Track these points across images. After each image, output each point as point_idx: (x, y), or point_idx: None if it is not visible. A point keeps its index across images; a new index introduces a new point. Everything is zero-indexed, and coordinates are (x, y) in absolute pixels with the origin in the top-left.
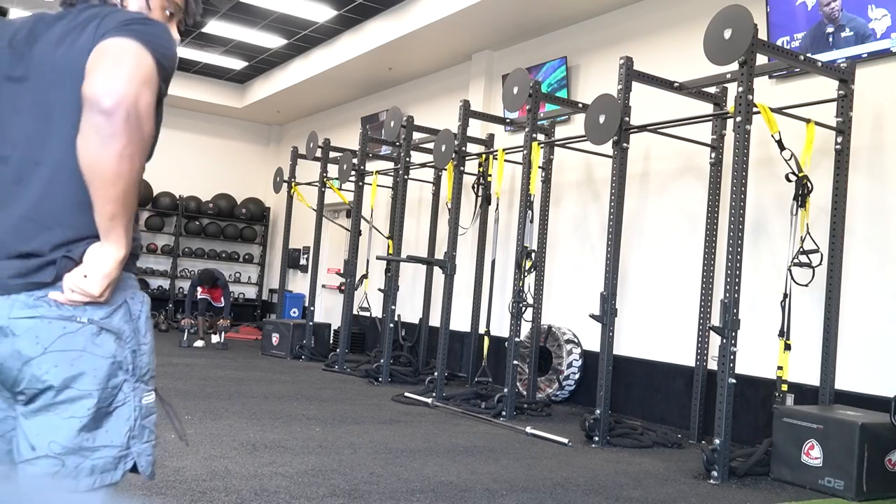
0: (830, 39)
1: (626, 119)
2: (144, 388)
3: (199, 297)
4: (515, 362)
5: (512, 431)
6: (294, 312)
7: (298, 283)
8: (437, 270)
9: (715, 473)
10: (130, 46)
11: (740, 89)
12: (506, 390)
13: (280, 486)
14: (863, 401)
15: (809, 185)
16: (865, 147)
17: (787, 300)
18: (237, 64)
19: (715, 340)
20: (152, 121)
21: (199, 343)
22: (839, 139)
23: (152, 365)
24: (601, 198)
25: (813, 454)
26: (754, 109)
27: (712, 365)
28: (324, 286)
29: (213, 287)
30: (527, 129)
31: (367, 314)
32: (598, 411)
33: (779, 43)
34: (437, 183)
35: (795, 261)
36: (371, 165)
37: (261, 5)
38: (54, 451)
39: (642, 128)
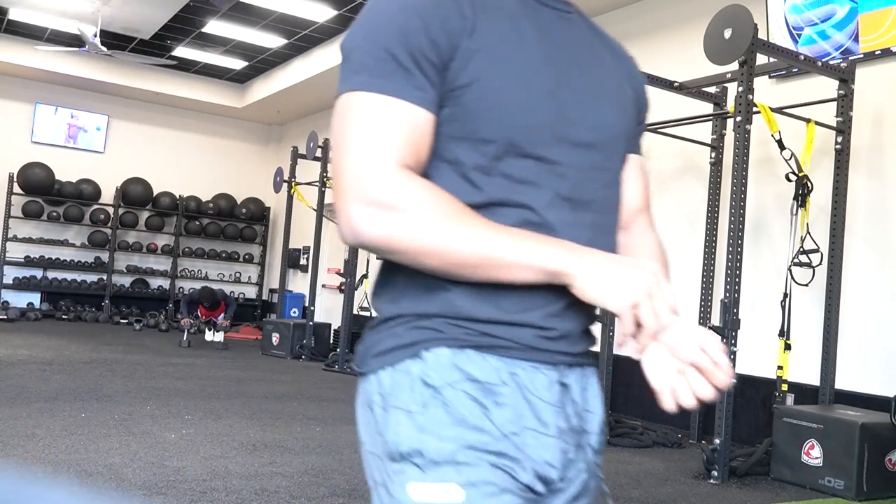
0: None
1: None
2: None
3: (200, 319)
4: None
5: None
6: (294, 312)
7: (298, 283)
8: None
9: (715, 473)
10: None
11: (740, 89)
12: None
13: (280, 486)
14: (863, 400)
15: (809, 184)
16: (865, 147)
17: (788, 300)
18: (237, 64)
19: None
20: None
21: (216, 337)
22: (839, 139)
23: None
24: None
25: (813, 454)
26: (754, 109)
27: None
28: (324, 286)
29: (213, 308)
30: None
31: (368, 314)
32: None
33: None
34: None
35: (795, 260)
36: None
37: (261, 5)
38: None
39: None
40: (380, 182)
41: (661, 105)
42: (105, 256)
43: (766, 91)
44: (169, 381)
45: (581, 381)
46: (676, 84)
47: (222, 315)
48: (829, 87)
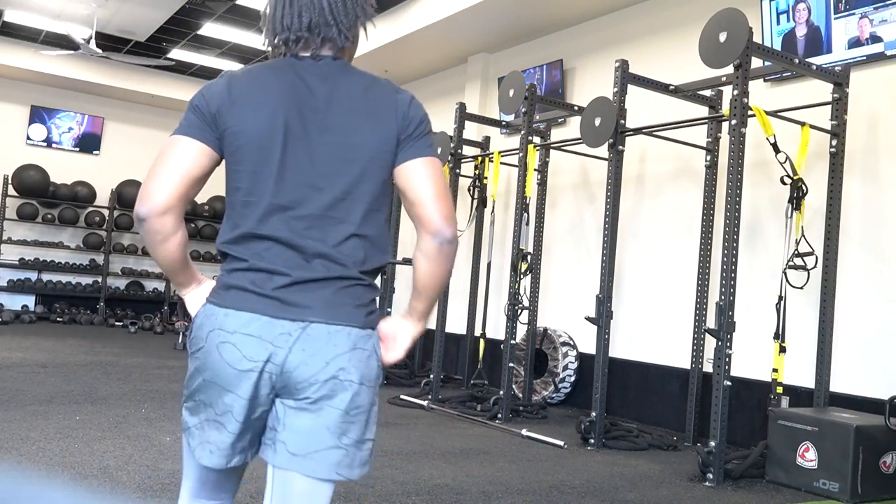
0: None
1: (622, 122)
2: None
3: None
4: (511, 365)
5: (508, 434)
6: None
7: None
8: None
9: (710, 476)
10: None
11: (735, 92)
12: (501, 393)
13: None
14: (858, 403)
15: (804, 187)
16: (860, 150)
17: (783, 302)
18: (233, 66)
19: (710, 342)
20: None
21: None
22: (834, 142)
23: None
24: (597, 200)
25: (808, 456)
26: (749, 112)
27: (708, 367)
28: None
29: None
30: (522, 132)
31: None
32: (593, 414)
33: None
34: None
35: (790, 263)
36: None
37: (257, 7)
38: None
39: (638, 130)
40: None
41: (657, 108)
42: (100, 259)
43: (761, 94)
44: (164, 384)
45: None
46: (672, 87)
47: None
48: (823, 90)
